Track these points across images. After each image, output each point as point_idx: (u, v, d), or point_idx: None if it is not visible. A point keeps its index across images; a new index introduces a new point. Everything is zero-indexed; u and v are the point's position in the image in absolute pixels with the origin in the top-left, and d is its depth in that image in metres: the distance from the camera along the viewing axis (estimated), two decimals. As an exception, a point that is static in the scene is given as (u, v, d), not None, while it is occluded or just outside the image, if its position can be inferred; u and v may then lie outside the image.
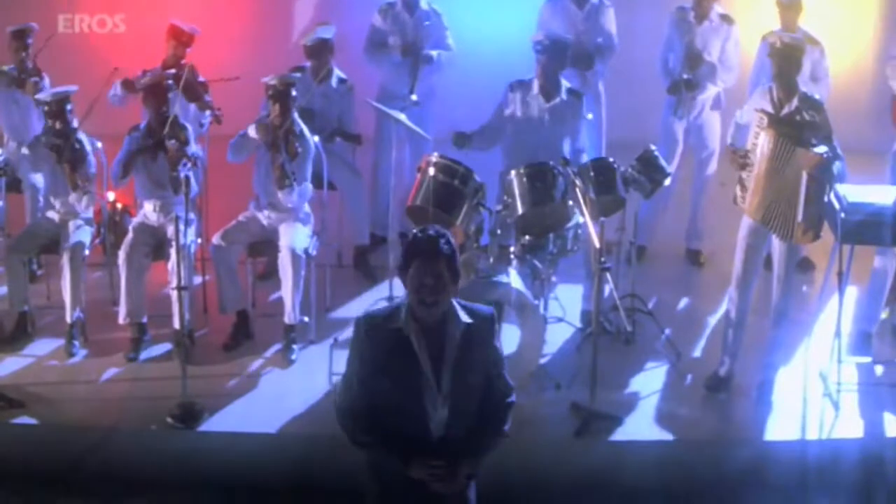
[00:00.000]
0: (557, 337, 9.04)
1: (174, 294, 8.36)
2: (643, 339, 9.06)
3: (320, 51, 9.85)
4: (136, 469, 7.68)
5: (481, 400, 5.30)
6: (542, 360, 8.47)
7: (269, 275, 9.61)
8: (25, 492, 7.48)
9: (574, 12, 10.21)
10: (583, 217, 7.99)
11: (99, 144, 9.22)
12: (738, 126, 8.25)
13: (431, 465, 5.15)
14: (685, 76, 9.77)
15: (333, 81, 9.90)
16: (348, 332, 8.73)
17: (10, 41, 9.83)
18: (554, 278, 8.99)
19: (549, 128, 8.98)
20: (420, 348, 5.14)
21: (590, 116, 9.25)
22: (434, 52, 10.19)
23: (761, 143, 7.84)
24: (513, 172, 8.34)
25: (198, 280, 9.44)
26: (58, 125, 8.82)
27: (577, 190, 8.00)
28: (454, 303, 5.21)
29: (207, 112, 9.76)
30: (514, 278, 8.13)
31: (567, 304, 9.28)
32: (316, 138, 9.11)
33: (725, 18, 10.03)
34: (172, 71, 9.30)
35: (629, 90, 10.49)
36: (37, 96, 9.12)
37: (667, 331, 9.08)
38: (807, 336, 8.75)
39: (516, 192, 8.28)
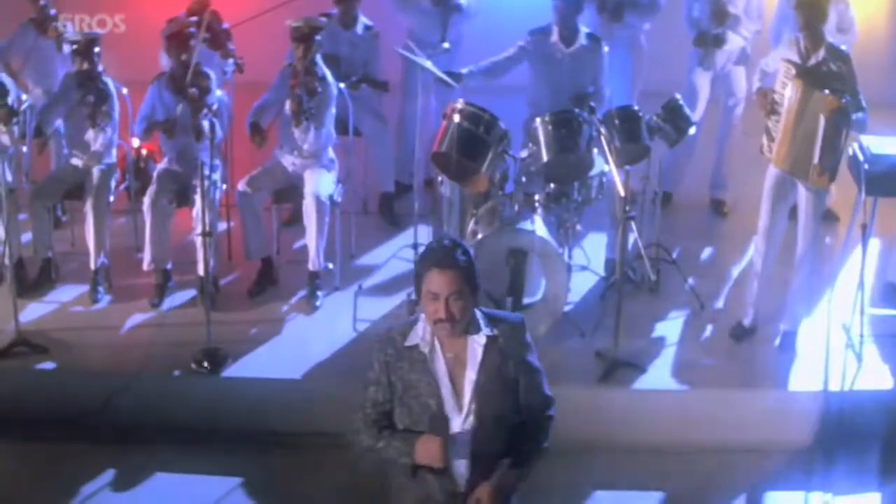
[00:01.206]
0: (582, 285, 9.02)
1: (199, 240, 8.35)
2: (667, 289, 9.02)
3: None
4: (159, 415, 7.73)
5: (515, 416, 5.00)
6: (567, 309, 8.44)
7: (294, 221, 9.57)
8: (48, 437, 7.54)
9: None
10: (607, 165, 7.94)
11: (125, 90, 9.21)
12: (765, 73, 8.21)
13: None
14: (714, 32, 9.66)
15: (359, 28, 9.85)
16: (373, 280, 8.99)
17: None
18: (579, 227, 8.93)
19: (570, 74, 8.96)
20: (437, 367, 4.90)
21: None
22: (464, 1, 10.08)
23: (788, 94, 7.79)
24: (538, 120, 8.29)
25: (223, 227, 9.43)
26: (85, 65, 8.79)
27: (603, 138, 7.95)
28: (477, 313, 4.95)
29: (230, 60, 9.72)
30: (538, 225, 8.13)
31: (592, 252, 9.26)
32: (342, 85, 9.09)
33: None
34: (195, 18, 9.25)
35: (654, 39, 10.34)
36: (66, 34, 9.07)
37: (690, 280, 9.03)
38: (830, 288, 8.67)
39: (541, 139, 8.24)
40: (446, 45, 9.67)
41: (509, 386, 4.95)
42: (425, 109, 9.52)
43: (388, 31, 9.97)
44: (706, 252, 9.79)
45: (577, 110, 8.32)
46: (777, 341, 8.38)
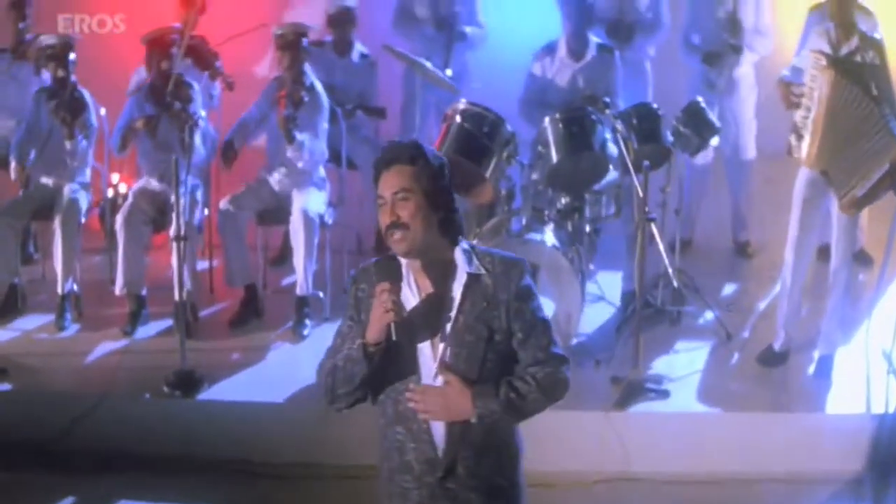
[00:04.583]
0: (596, 317, 8.35)
1: (173, 247, 7.63)
2: (689, 319, 8.36)
3: (343, 21, 9.29)
4: (127, 440, 7.02)
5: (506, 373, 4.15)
6: (580, 340, 7.86)
7: (282, 259, 8.98)
8: (3, 464, 6.81)
9: None
10: (624, 161, 7.31)
11: (103, 111, 8.69)
12: (795, 69, 7.59)
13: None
14: (730, 41, 9.07)
15: (355, 56, 9.35)
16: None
17: (7, 11, 9.38)
18: (592, 266, 8.38)
19: (583, 89, 8.33)
20: (413, 310, 4.12)
21: None
22: (468, 28, 9.57)
23: (819, 86, 7.20)
24: (547, 119, 7.75)
25: (204, 265, 8.81)
26: (59, 72, 8.33)
27: (619, 135, 7.32)
28: (461, 248, 4.15)
29: (218, 81, 9.16)
30: (548, 237, 7.49)
31: (607, 288, 8.61)
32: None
33: None
34: (178, 25, 8.70)
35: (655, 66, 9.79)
36: (40, 37, 8.54)
37: (715, 311, 8.34)
38: (867, 317, 7.95)
39: (550, 139, 7.67)
40: (449, 72, 9.07)
41: (495, 338, 4.11)
42: (426, 139, 8.88)
43: (386, 59, 9.36)
44: (730, 288, 9.10)
45: (589, 108, 7.69)
46: (812, 368, 7.74)
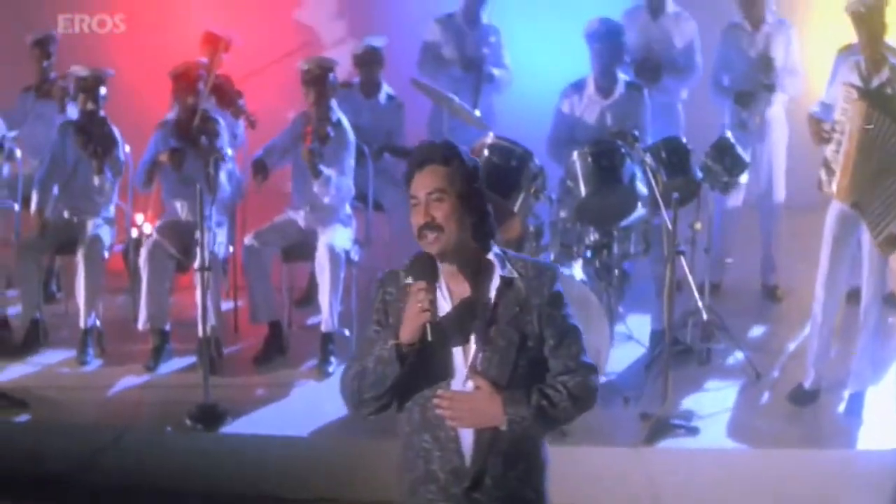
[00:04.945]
0: (625, 357, 8.22)
1: (198, 278, 7.54)
2: (718, 360, 8.24)
3: (370, 61, 9.26)
4: (148, 474, 6.88)
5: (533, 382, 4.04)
6: (609, 378, 7.70)
7: (307, 301, 8.89)
8: (23, 497, 6.65)
9: (647, 21, 9.48)
10: (654, 196, 7.21)
11: (127, 149, 8.59)
12: (824, 105, 7.50)
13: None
14: (763, 81, 9.01)
15: (382, 97, 9.30)
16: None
17: (31, 49, 9.39)
18: (621, 309, 8.28)
19: (611, 127, 8.23)
20: (445, 314, 4.02)
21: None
22: (496, 71, 9.54)
23: (850, 118, 7.09)
24: (576, 153, 7.64)
25: (229, 305, 8.71)
26: (89, 105, 8.28)
27: (648, 168, 7.23)
28: (496, 252, 4.09)
29: (241, 120, 9.12)
30: (577, 271, 7.38)
31: (636, 330, 8.47)
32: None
33: (782, 21, 9.31)
34: (204, 60, 8.68)
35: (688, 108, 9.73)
36: (72, 69, 8.49)
37: (745, 351, 8.21)
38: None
39: (579, 172, 7.57)
40: (477, 112, 8.99)
41: (527, 344, 4.03)
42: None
43: (413, 101, 9.33)
44: (759, 331, 8.97)
45: (619, 142, 7.62)
46: (842, 406, 7.58)
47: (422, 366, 3.98)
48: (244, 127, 9.22)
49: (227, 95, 9.14)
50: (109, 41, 11.07)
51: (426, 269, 3.97)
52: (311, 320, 8.73)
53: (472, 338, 4.01)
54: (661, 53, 9.36)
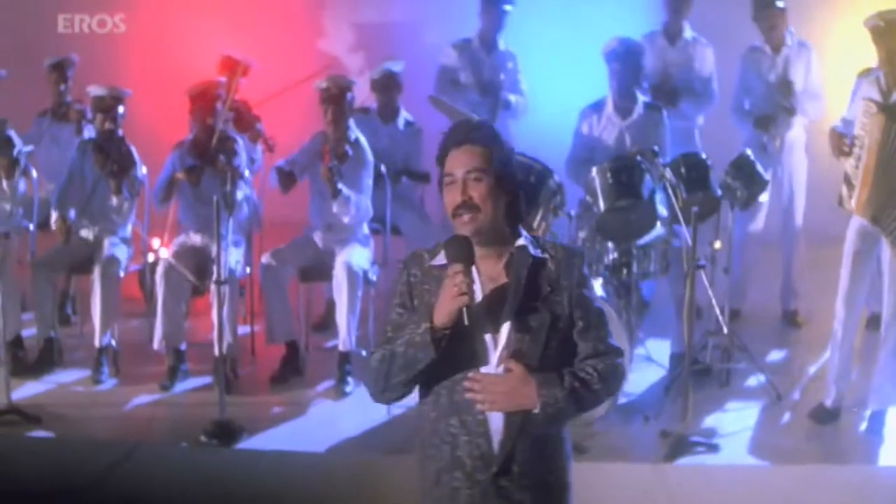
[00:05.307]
0: (644, 379, 8.17)
1: (214, 293, 7.49)
2: (737, 379, 8.17)
3: (388, 85, 9.24)
4: (162, 489, 6.83)
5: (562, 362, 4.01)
6: (629, 398, 7.70)
7: (325, 325, 8.88)
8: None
9: (664, 46, 9.48)
10: (673, 211, 7.17)
11: (144, 170, 8.56)
12: (846, 121, 7.46)
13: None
14: (784, 104, 8.97)
15: (400, 123, 9.28)
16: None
17: (48, 73, 9.42)
18: (640, 334, 8.29)
19: (630, 147, 8.20)
20: (480, 298, 3.98)
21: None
22: (512, 97, 9.54)
23: (870, 132, 7.05)
24: (595, 169, 7.61)
25: (245, 330, 8.66)
26: (107, 124, 8.25)
27: (667, 183, 7.18)
28: (525, 234, 4.07)
29: (259, 143, 9.11)
30: (596, 288, 7.29)
31: (655, 354, 8.44)
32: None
33: (802, 43, 9.29)
34: (223, 79, 8.66)
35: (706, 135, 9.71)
36: (89, 88, 8.47)
37: (765, 373, 8.13)
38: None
39: (598, 188, 7.54)
40: None
41: (558, 325, 3.99)
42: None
43: (431, 125, 9.28)
44: (779, 354, 8.90)
45: (638, 157, 7.58)
46: (864, 425, 7.47)
47: (451, 350, 3.92)
48: (262, 151, 9.19)
49: (244, 119, 9.13)
50: (109, 41, 11.09)
51: (462, 251, 3.91)
52: (329, 343, 8.67)
53: (504, 323, 3.95)
54: (678, 78, 9.36)
